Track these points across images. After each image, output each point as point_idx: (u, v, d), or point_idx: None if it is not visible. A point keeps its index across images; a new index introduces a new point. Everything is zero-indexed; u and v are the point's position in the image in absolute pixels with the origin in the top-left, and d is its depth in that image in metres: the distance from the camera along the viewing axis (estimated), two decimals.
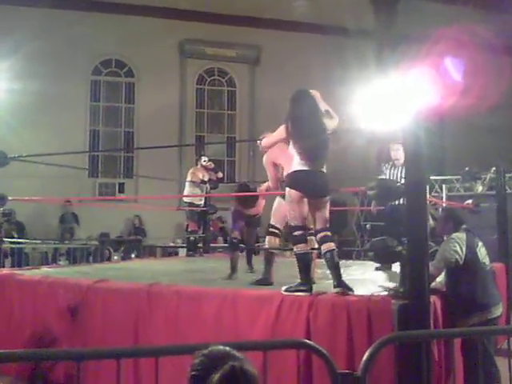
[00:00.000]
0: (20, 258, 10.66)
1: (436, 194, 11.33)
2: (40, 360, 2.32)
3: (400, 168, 6.90)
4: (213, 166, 10.24)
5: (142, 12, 14.74)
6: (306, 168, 4.99)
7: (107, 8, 14.54)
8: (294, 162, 5.07)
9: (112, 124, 15.79)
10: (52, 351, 2.88)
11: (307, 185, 4.98)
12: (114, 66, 15.75)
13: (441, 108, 4.11)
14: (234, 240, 7.02)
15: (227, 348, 1.77)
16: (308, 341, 2.70)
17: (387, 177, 7.12)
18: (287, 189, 5.08)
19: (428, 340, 3.59)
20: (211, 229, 12.77)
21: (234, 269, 6.68)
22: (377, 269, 6.82)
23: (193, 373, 1.71)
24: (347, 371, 2.47)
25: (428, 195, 9.37)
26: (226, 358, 1.69)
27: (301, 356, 2.89)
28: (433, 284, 4.94)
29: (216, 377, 1.64)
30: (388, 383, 4.00)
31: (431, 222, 8.07)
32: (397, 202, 6.20)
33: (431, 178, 11.18)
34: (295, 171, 5.04)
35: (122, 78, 15.82)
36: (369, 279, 6.26)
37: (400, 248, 4.61)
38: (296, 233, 5.01)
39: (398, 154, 6.83)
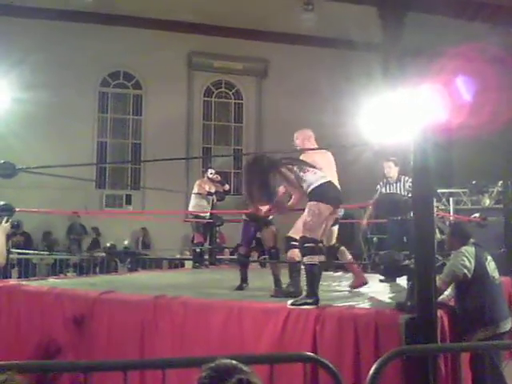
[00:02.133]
0: (27, 269, 10.68)
1: (443, 207, 11.30)
2: (47, 371, 2.32)
3: (394, 184, 6.89)
4: (219, 178, 10.25)
5: (149, 25, 14.85)
6: (328, 179, 5.06)
7: (115, 21, 14.65)
8: (316, 176, 5.08)
9: (119, 135, 15.86)
10: (59, 363, 2.88)
11: (337, 196, 5.06)
12: (121, 78, 15.84)
13: (449, 125, 4.11)
14: (241, 254, 7.00)
15: (234, 361, 1.77)
16: (315, 355, 2.68)
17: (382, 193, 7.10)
18: (313, 202, 5.04)
19: (435, 354, 3.56)
20: (218, 240, 12.77)
21: (244, 280, 6.69)
22: (381, 281, 6.81)
23: None
24: None
25: (435, 209, 9.35)
26: (232, 372, 1.69)
27: (307, 370, 2.86)
28: (440, 297, 4.93)
29: None
30: None
31: (438, 235, 8.07)
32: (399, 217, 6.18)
33: (438, 190, 11.17)
34: (323, 184, 5.04)
35: (130, 90, 15.92)
36: (375, 292, 6.24)
37: (407, 262, 4.59)
38: (310, 244, 5.01)
39: (391, 171, 6.84)
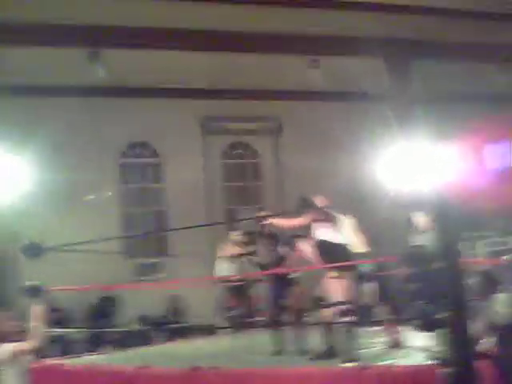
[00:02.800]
0: (63, 345, 10.73)
1: (473, 252, 11.16)
2: None
3: (424, 234, 6.89)
4: (244, 240, 10.25)
5: (161, 94, 15.22)
6: None
7: (129, 94, 15.05)
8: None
9: (143, 204, 16.07)
10: None
11: None
12: (140, 148, 16.16)
13: (469, 189, 4.10)
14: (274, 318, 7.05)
15: None
16: None
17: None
18: None
19: None
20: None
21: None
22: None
23: None
24: None
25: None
26: None
27: None
28: (483, 347, 4.86)
29: None
30: None
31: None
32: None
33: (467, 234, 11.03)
34: None
35: (149, 159, 16.20)
36: (414, 346, 6.17)
37: (442, 315, 4.57)
38: None
39: (420, 221, 6.86)
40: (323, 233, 5.83)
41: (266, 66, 14.37)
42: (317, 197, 6.47)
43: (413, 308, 5.21)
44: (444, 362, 4.39)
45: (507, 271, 7.76)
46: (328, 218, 5.89)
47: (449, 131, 4.26)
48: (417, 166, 4.57)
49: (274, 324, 6.86)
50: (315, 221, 5.99)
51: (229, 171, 16.76)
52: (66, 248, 8.19)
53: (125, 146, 16.04)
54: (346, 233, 5.93)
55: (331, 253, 5.69)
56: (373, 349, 6.36)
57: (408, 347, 6.18)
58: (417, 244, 6.59)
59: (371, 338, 7.27)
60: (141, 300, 13.41)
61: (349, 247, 5.84)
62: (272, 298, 7.03)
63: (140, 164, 16.23)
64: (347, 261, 5.58)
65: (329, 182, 13.85)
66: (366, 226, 6.68)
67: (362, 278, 6.22)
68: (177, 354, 7.82)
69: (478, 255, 10.94)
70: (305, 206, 6.54)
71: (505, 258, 7.79)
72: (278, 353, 6.60)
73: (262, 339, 6.86)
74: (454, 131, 4.18)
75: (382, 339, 6.89)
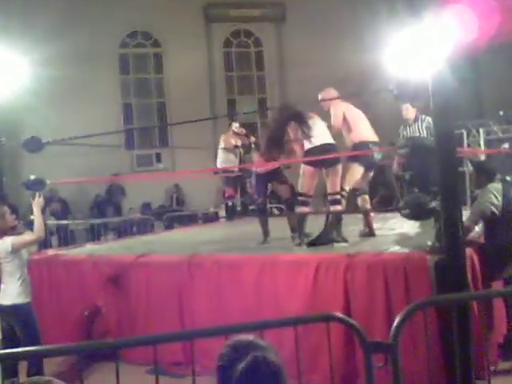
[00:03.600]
0: (66, 235, 10.96)
1: (473, 139, 11.10)
2: (83, 352, 2.41)
3: (413, 125, 6.79)
4: (245, 131, 10.21)
5: None
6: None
7: None
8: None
9: (143, 96, 15.87)
10: (91, 343, 2.97)
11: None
12: (140, 38, 15.74)
13: (477, 40, 3.98)
14: (260, 206, 7.19)
15: (252, 337, 1.82)
16: (336, 313, 2.74)
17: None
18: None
19: (465, 302, 3.58)
20: (249, 191, 12.83)
21: (266, 233, 6.79)
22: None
23: (219, 363, 1.76)
24: (378, 340, 2.50)
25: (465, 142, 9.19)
26: (249, 349, 1.74)
27: (337, 326, 2.91)
28: (470, 236, 4.93)
29: (239, 367, 1.69)
30: (425, 346, 4.03)
31: (471, 168, 7.96)
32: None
33: (468, 123, 10.95)
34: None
35: (149, 49, 15.81)
36: (404, 234, 6.25)
37: (433, 204, 4.58)
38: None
39: (408, 113, 6.74)
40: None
41: None
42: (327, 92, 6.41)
43: (406, 199, 5.22)
44: (434, 250, 4.45)
45: (505, 160, 7.74)
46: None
47: None
48: (417, 49, 4.41)
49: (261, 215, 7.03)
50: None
51: (231, 60, 16.40)
52: (66, 142, 8.18)
53: (124, 35, 15.60)
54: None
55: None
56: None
57: (400, 234, 6.25)
58: (408, 135, 6.53)
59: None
60: (143, 190, 13.58)
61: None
62: (259, 188, 7.13)
63: (140, 54, 15.86)
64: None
65: (332, 71, 13.61)
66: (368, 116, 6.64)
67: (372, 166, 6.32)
68: (176, 241, 7.97)
69: (476, 144, 10.85)
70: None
71: (506, 146, 7.75)
72: (266, 241, 6.73)
73: (257, 227, 6.94)
74: None
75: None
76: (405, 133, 6.65)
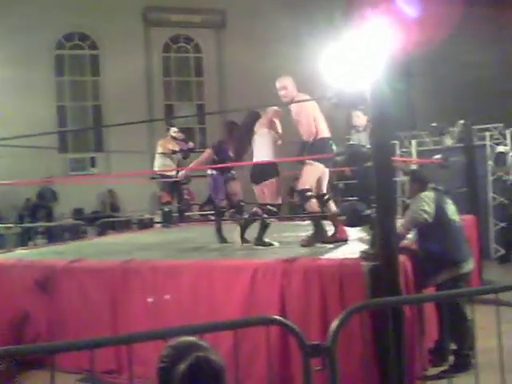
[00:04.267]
0: None
1: (406, 150, 11.41)
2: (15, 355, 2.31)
3: (363, 132, 6.94)
4: (183, 136, 10.15)
5: None
6: None
7: None
8: None
9: (79, 98, 15.56)
10: (27, 347, 2.87)
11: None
12: (77, 39, 15.43)
13: (406, 48, 4.10)
14: (223, 209, 7.40)
15: (193, 338, 1.82)
16: (276, 316, 2.73)
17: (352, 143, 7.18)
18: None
19: (397, 306, 3.65)
20: (187, 197, 12.74)
21: (221, 236, 7.00)
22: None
23: (161, 364, 1.75)
24: (316, 343, 2.51)
25: (398, 152, 9.46)
26: (191, 349, 1.73)
27: (273, 330, 2.92)
28: (403, 242, 5.04)
29: (181, 368, 1.68)
30: (360, 349, 4.09)
31: (404, 178, 8.16)
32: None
33: (401, 134, 11.25)
34: None
35: (86, 51, 15.52)
36: (341, 242, 6.33)
37: (369, 211, 4.66)
38: None
39: (359, 120, 6.88)
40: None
41: None
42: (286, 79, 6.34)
43: (342, 206, 5.30)
44: (369, 256, 4.52)
45: (436, 171, 7.98)
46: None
47: None
48: (353, 59, 4.50)
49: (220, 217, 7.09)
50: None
51: (170, 65, 16.30)
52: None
53: (61, 35, 15.26)
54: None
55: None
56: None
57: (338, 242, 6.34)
58: (354, 142, 6.65)
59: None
60: (76, 195, 13.29)
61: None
62: (219, 190, 7.20)
63: (77, 56, 15.55)
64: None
65: (271, 79, 13.70)
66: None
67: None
68: (110, 247, 7.80)
69: (409, 154, 11.16)
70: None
71: (438, 156, 8.00)
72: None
73: (196, 232, 6.91)
74: None
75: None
76: (355, 137, 6.78)
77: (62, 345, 2.47)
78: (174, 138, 9.89)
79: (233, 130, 6.98)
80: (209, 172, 7.41)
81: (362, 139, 7.08)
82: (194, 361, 1.69)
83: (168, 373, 1.70)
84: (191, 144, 10.40)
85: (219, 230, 7.10)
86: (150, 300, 4.98)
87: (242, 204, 7.30)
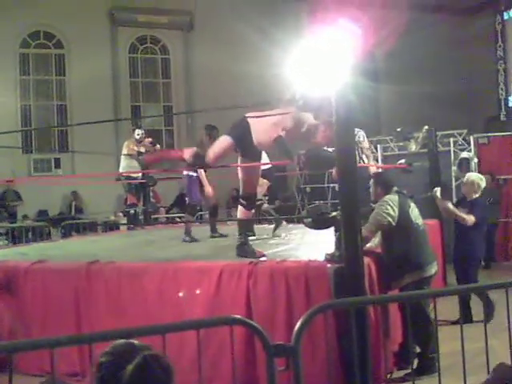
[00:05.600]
0: None
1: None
2: None
3: None
4: (151, 139, 10.07)
5: None
6: None
7: None
8: None
9: (43, 98, 15.32)
10: None
11: None
12: (42, 38, 15.20)
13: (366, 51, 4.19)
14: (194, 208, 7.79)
15: (131, 341, 1.72)
16: (239, 316, 2.74)
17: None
18: None
19: (361, 306, 3.69)
20: (153, 200, 12.67)
21: (189, 234, 7.21)
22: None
23: (100, 374, 1.63)
24: (280, 343, 2.53)
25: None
26: (133, 351, 1.64)
27: (238, 331, 2.93)
28: (368, 245, 5.09)
29: (129, 370, 1.60)
30: (325, 350, 4.12)
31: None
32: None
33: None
34: None
35: (52, 50, 15.30)
36: (307, 244, 6.38)
37: (334, 213, 4.71)
38: None
39: None
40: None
41: None
42: None
43: (308, 208, 5.33)
44: (334, 258, 4.57)
45: (401, 176, 8.09)
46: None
47: None
48: (318, 63, 4.54)
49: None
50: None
51: (137, 66, 16.17)
52: None
53: (26, 34, 15.01)
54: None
55: None
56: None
57: (304, 244, 6.38)
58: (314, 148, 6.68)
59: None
60: (40, 196, 13.10)
61: None
62: (195, 190, 7.42)
63: (42, 54, 15.31)
64: None
65: (239, 81, 13.75)
66: None
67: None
68: (74, 249, 7.71)
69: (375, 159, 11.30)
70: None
71: (402, 161, 8.12)
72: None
73: (162, 234, 6.87)
74: None
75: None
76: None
77: (20, 343, 2.43)
78: (139, 142, 9.80)
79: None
80: (184, 173, 7.54)
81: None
82: (142, 360, 1.61)
83: (110, 381, 1.60)
84: (158, 147, 10.35)
85: (188, 231, 7.17)
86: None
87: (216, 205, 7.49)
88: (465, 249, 6.49)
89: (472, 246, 6.48)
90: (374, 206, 5.33)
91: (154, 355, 1.63)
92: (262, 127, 5.42)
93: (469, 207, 6.47)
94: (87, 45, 14.76)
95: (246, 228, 5.73)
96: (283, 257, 5.24)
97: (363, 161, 7.84)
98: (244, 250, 5.45)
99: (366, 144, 7.91)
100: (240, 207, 5.67)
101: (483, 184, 6.64)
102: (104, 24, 15.45)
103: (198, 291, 4.67)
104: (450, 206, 6.63)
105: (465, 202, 6.69)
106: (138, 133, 9.79)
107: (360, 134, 7.67)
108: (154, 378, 1.60)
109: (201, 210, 8.64)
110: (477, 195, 6.55)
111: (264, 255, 5.35)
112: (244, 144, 5.47)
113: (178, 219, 12.98)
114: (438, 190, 6.75)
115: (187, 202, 7.93)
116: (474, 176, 6.85)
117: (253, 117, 5.49)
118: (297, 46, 5.74)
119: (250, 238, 6.14)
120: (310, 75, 5.06)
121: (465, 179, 6.83)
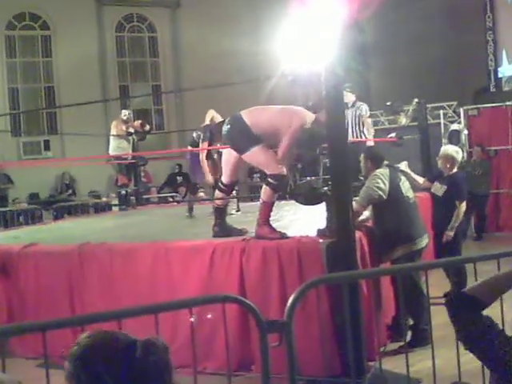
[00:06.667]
0: None
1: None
2: None
3: (348, 110, 6.99)
4: (140, 122, 9.98)
5: None
6: None
7: None
8: None
9: (31, 80, 15.17)
10: None
11: None
12: (28, 19, 14.99)
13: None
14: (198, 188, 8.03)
15: (107, 330, 1.60)
16: (231, 294, 2.74)
17: None
18: None
19: (353, 280, 3.71)
20: (144, 180, 12.65)
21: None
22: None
23: (87, 367, 1.50)
24: (273, 319, 2.53)
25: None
26: (119, 340, 1.51)
27: (231, 308, 2.93)
28: (359, 219, 5.11)
29: (137, 356, 1.48)
30: (318, 325, 4.14)
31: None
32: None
33: None
34: None
35: (38, 31, 15.10)
36: (300, 219, 6.39)
37: (325, 189, 4.71)
38: None
39: (346, 98, 6.88)
40: None
41: None
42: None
43: (298, 184, 5.32)
44: (326, 233, 4.58)
45: (391, 150, 8.09)
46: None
47: None
48: (308, 39, 4.52)
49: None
50: None
51: (124, 45, 15.99)
52: None
53: (11, 16, 14.80)
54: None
55: None
56: None
57: (295, 220, 6.38)
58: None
59: None
60: (31, 179, 13.03)
61: None
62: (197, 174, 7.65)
63: (28, 36, 15.11)
64: None
65: (228, 58, 13.64)
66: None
67: None
68: (66, 231, 7.69)
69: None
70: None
71: (393, 135, 8.11)
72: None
73: (154, 214, 6.86)
74: None
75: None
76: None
77: (10, 328, 2.43)
78: (125, 122, 9.72)
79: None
80: (188, 157, 8.07)
81: (348, 115, 7.22)
82: (146, 344, 1.50)
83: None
84: (148, 127, 10.27)
85: (191, 208, 7.56)
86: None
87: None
88: (444, 222, 6.00)
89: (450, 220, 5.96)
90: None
91: (154, 338, 1.55)
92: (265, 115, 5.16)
93: (447, 183, 6.00)
94: (73, 25, 14.58)
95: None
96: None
97: (364, 135, 7.81)
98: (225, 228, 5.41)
99: (369, 119, 7.91)
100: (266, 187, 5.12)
101: (459, 157, 6.14)
102: (89, 3, 15.24)
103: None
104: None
105: (442, 176, 6.18)
106: (125, 113, 9.71)
107: (363, 108, 7.68)
108: (159, 361, 1.53)
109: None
110: (454, 169, 6.06)
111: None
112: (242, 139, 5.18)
113: (170, 199, 12.96)
114: (404, 164, 6.22)
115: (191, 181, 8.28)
116: (449, 149, 6.30)
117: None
118: (287, 21, 5.70)
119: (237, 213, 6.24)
120: (299, 50, 5.04)
121: (440, 152, 6.31)
